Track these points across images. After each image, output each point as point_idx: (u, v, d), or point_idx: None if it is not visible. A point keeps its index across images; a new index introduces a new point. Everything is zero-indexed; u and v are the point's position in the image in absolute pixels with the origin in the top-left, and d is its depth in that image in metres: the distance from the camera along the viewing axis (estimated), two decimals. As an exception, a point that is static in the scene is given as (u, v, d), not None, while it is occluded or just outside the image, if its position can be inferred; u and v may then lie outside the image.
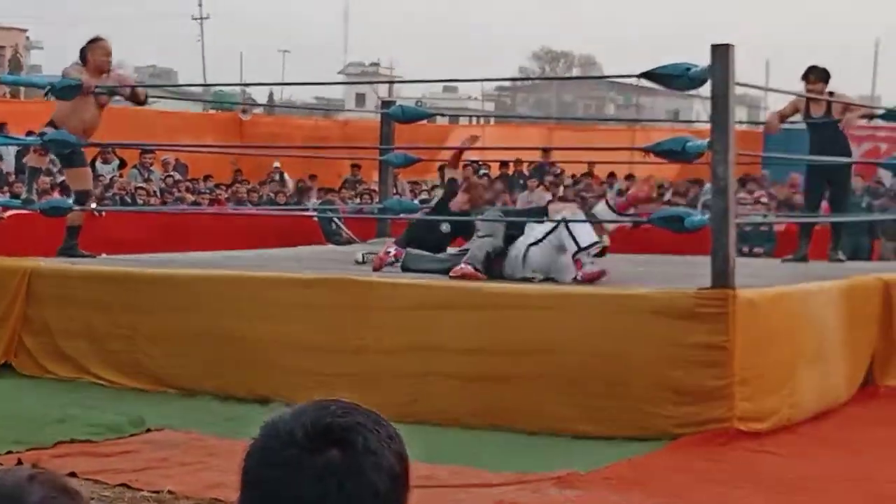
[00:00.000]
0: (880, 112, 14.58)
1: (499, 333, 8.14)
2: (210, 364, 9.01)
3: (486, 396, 8.08)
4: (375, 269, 9.76)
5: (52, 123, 10.90)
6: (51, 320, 9.63)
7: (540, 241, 9.04)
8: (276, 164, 24.97)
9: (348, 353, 8.53)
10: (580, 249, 8.86)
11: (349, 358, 8.52)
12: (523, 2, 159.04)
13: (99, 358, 9.43)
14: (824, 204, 12.76)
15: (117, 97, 12.07)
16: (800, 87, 12.10)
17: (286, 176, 24.37)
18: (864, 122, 15.45)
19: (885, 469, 7.29)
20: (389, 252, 9.87)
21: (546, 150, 23.77)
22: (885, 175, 21.31)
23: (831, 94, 11.83)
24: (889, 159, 14.13)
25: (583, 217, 9.28)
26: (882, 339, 9.64)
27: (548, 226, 9.06)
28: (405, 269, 9.70)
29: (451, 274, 8.96)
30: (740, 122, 36.32)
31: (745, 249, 16.79)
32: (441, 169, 23.20)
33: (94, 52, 11.07)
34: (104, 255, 11.39)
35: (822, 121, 11.77)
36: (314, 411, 1.78)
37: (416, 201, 16.62)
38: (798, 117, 12.30)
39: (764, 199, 19.70)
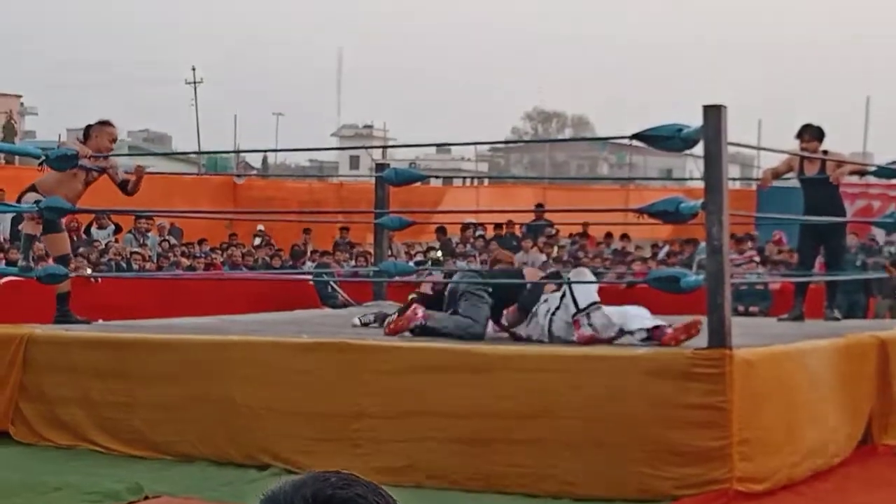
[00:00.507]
0: (872, 169, 14.64)
1: (496, 396, 8.12)
2: (207, 430, 8.99)
3: (484, 460, 8.06)
4: (392, 333, 9.61)
5: (33, 189, 10.89)
6: (47, 387, 9.62)
7: (556, 310, 9.08)
8: (260, 227, 25.05)
9: (345, 418, 8.51)
10: (579, 311, 8.88)
11: (346, 422, 8.50)
12: (515, 63, 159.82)
13: (96, 425, 9.40)
14: (819, 262, 12.79)
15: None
16: (793, 145, 12.16)
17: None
18: (856, 179, 15.53)
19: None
20: (418, 313, 9.66)
21: (541, 210, 23.84)
22: (878, 233, 21.39)
23: (825, 152, 11.88)
24: (882, 217, 14.16)
25: (589, 276, 9.32)
26: (879, 397, 9.64)
27: (558, 294, 9.12)
28: (423, 332, 9.61)
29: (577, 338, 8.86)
30: (733, 180, 36.48)
31: (741, 308, 16.83)
32: (439, 230, 23.31)
33: (100, 135, 11.08)
34: (100, 321, 11.38)
35: (814, 178, 11.83)
36: (314, 483, 1.79)
37: (411, 263, 16.64)
38: (792, 174, 12.36)
39: (756, 258, 19.76)
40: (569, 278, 9.31)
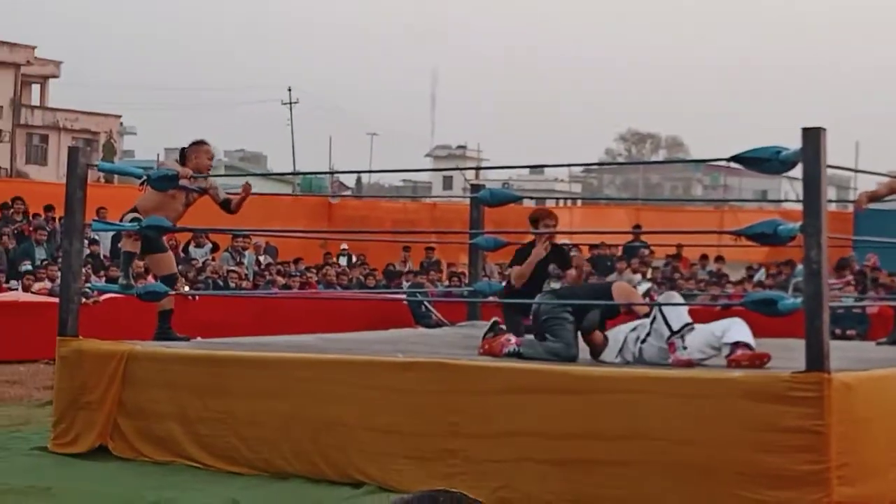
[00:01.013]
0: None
1: (590, 418, 8.11)
2: (302, 447, 9.05)
3: (578, 482, 8.04)
4: (485, 354, 9.57)
5: (135, 210, 11.00)
6: (146, 403, 9.75)
7: (647, 336, 9.04)
8: (344, 245, 25.21)
9: (440, 437, 8.54)
10: (673, 333, 8.85)
11: (441, 442, 8.53)
12: (609, 83, 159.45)
13: (193, 441, 9.51)
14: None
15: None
16: (891, 167, 12.00)
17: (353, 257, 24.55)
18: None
19: None
20: (511, 340, 9.68)
21: (636, 231, 23.74)
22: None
23: None
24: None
25: (678, 299, 9.26)
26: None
27: (647, 320, 9.09)
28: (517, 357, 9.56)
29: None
30: (830, 202, 36.03)
31: (838, 331, 16.66)
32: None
33: (198, 154, 11.17)
34: (199, 339, 11.52)
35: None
36: (425, 501, 1.82)
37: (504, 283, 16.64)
38: (893, 197, 12.17)
39: (852, 282, 19.56)
40: (659, 303, 9.25)
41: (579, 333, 9.41)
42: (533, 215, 11.59)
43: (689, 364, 8.69)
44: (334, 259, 24.11)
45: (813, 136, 7.92)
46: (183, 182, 10.84)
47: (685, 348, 8.79)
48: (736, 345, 8.65)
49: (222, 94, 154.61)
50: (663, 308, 8.97)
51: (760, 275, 22.11)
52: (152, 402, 9.71)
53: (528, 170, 63.17)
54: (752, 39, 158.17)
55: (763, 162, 8.40)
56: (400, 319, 16.09)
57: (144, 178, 10.99)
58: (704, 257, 24.06)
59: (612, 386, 8.20)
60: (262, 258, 22.68)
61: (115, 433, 9.84)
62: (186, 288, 16.97)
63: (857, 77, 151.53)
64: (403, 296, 18.09)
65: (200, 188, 11.21)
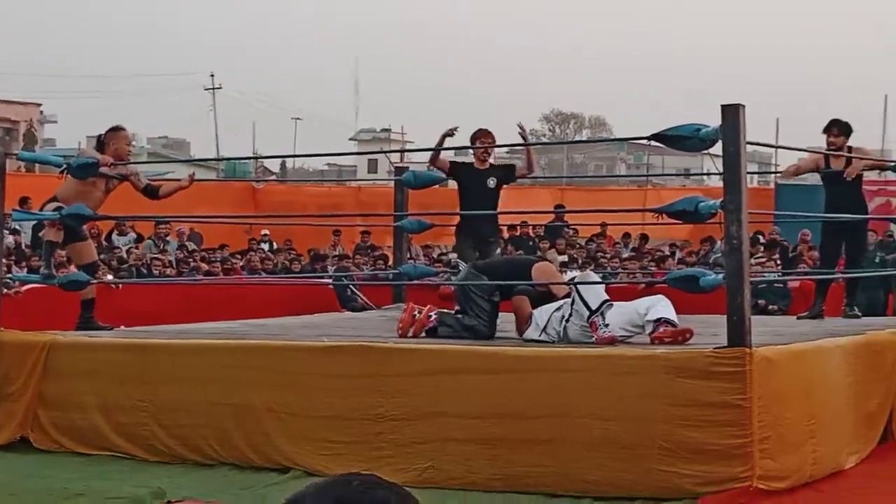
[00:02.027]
0: (891, 165, 14.61)
1: (516, 397, 8.14)
2: (228, 434, 9.01)
3: (505, 460, 8.07)
4: (403, 335, 9.74)
5: (55, 199, 10.89)
6: (68, 394, 9.64)
7: (570, 316, 9.06)
8: (265, 231, 25.10)
9: (366, 421, 8.54)
10: (592, 312, 8.87)
11: (367, 425, 8.53)
12: (532, 64, 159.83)
13: (115, 430, 9.43)
14: (839, 260, 12.74)
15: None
16: (810, 143, 12.13)
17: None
18: (875, 175, 15.47)
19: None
20: (431, 317, 9.82)
21: (559, 211, 23.80)
22: (895, 229, 21.30)
23: (850, 149, 11.80)
24: (901, 213, 14.17)
25: (594, 278, 9.30)
26: (900, 394, 9.63)
27: (568, 300, 9.12)
28: (433, 334, 9.71)
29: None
30: (751, 174, 36.44)
31: (761, 303, 16.81)
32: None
33: (116, 141, 11.07)
34: (122, 328, 11.43)
35: (834, 174, 11.76)
36: (339, 486, 1.79)
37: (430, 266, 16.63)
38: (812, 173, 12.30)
39: (775, 256, 19.71)
40: (575, 282, 9.26)
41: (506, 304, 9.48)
42: (472, 135, 12.41)
43: (613, 341, 8.73)
44: (257, 244, 23.96)
45: (732, 113, 7.98)
46: (103, 169, 10.74)
47: (606, 325, 8.82)
48: (659, 322, 8.71)
49: (145, 80, 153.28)
50: (580, 288, 8.99)
51: (682, 252, 22.23)
52: (74, 392, 9.61)
53: (453, 152, 63.15)
54: (672, 22, 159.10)
55: (683, 140, 8.45)
56: (326, 304, 16.03)
57: (64, 166, 10.89)
58: (627, 236, 24.20)
59: (536, 365, 8.23)
60: (187, 244, 22.49)
61: (36, 425, 9.72)
62: (109, 276, 16.79)
63: (776, 56, 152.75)
64: (329, 280, 18.03)
65: (121, 175, 11.11)
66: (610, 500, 7.73)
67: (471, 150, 12.49)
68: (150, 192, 11.24)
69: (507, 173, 12.71)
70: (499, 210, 13.09)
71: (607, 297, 9.00)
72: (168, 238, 22.03)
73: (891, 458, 9.12)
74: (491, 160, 12.58)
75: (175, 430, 9.21)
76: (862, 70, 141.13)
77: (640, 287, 15.30)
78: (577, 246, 22.89)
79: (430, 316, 9.80)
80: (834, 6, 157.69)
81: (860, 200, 12.08)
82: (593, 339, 8.81)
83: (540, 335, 9.18)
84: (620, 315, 8.90)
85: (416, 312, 9.85)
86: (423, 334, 9.70)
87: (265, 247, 23.80)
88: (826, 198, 12.03)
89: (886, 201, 24.73)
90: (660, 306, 8.87)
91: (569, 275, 9.24)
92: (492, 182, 12.40)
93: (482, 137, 12.42)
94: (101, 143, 11.14)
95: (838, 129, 11.77)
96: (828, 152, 11.73)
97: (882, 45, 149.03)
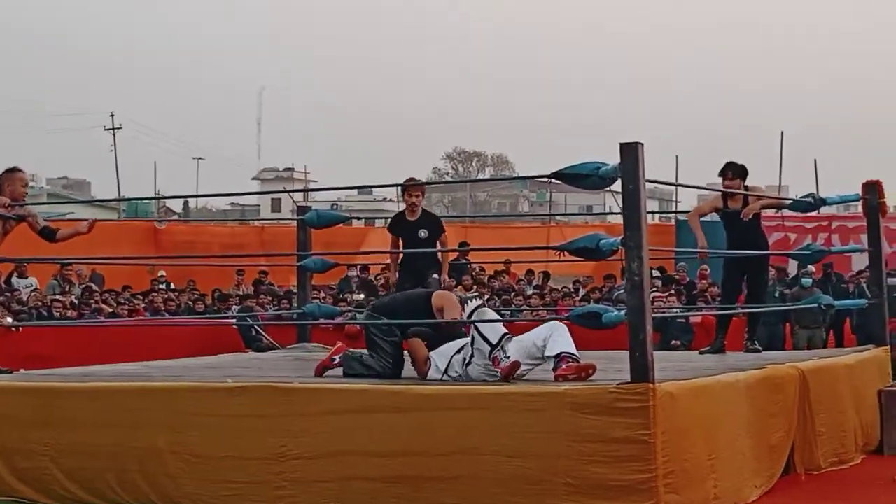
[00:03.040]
0: (788, 202, 14.83)
1: (419, 435, 8.13)
2: (130, 476, 8.91)
3: (411, 499, 8.05)
4: (317, 374, 9.73)
5: None
6: (-34, 439, 9.48)
7: (471, 357, 9.03)
8: (161, 272, 24.95)
9: (269, 461, 8.48)
10: (493, 347, 8.85)
11: (270, 465, 8.47)
12: (434, 102, 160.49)
13: (16, 475, 9.29)
14: (741, 295, 12.89)
15: None
16: (709, 180, 12.27)
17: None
18: (772, 212, 15.70)
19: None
20: (335, 360, 9.84)
21: (463, 249, 23.88)
22: (792, 264, 21.62)
23: (746, 188, 11.98)
24: (798, 249, 14.38)
25: (491, 314, 9.29)
26: (800, 427, 9.76)
27: (465, 339, 9.11)
28: (345, 373, 9.70)
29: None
30: (652, 213, 36.74)
31: (664, 341, 16.96)
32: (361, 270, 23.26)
33: (11, 182, 10.95)
34: (22, 371, 11.25)
35: (733, 213, 11.93)
36: None
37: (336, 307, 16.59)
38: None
39: (673, 292, 19.94)
40: (472, 320, 9.21)
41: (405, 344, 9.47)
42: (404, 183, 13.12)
43: (516, 367, 8.71)
44: (158, 285, 23.76)
45: (631, 151, 8.05)
46: (0, 211, 10.61)
47: (507, 357, 8.81)
48: (560, 357, 8.71)
49: (45, 119, 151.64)
50: (479, 326, 8.97)
51: (585, 290, 22.39)
52: (-27, 437, 9.43)
53: (356, 191, 63.09)
54: (568, 53, 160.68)
55: (584, 178, 8.50)
56: (230, 344, 15.91)
57: (-41, 208, 10.73)
58: (530, 272, 24.32)
59: (440, 403, 8.23)
60: (90, 285, 22.22)
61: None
62: (9, 319, 16.57)
63: (679, 93, 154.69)
64: (233, 321, 17.91)
65: (18, 216, 10.98)
66: (516, 536, 7.74)
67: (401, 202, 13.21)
68: (48, 234, 11.11)
69: (435, 228, 13.48)
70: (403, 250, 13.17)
71: (507, 331, 9.00)
72: (73, 280, 21.79)
73: (793, 490, 9.23)
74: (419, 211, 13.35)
75: (77, 473, 9.08)
76: (758, 105, 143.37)
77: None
78: (485, 284, 22.96)
79: (334, 360, 9.79)
80: (731, 41, 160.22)
81: (760, 236, 12.25)
82: (497, 374, 8.79)
83: (442, 377, 9.14)
84: (520, 349, 8.88)
85: (334, 358, 9.86)
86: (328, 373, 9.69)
87: (163, 287, 23.59)
88: (727, 236, 12.20)
89: (784, 236, 25.13)
90: (557, 337, 8.84)
91: (470, 306, 9.16)
92: (423, 233, 13.22)
93: (410, 191, 13.19)
94: (-2, 185, 11.01)
95: (733, 172, 11.94)
96: (725, 190, 11.88)
97: (776, 81, 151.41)
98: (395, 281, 13.55)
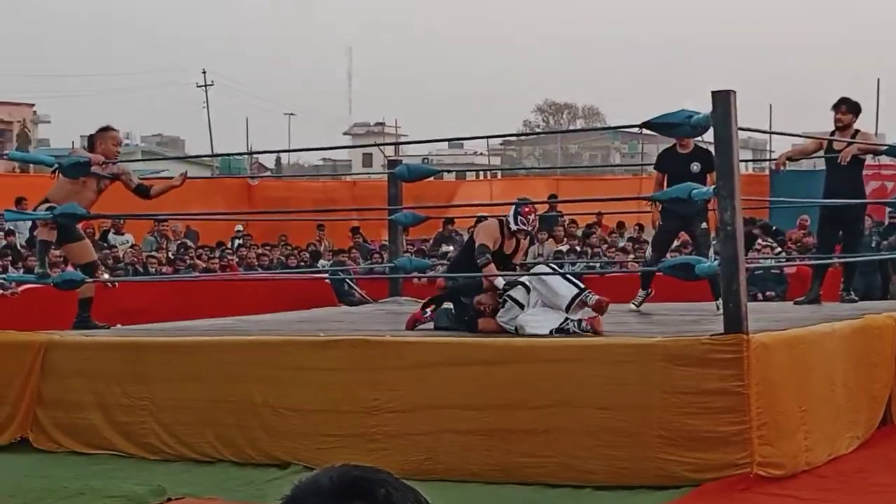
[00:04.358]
0: (884, 149, 14.58)
1: (512, 388, 8.14)
2: (226, 431, 9.01)
3: (502, 451, 8.07)
4: (409, 328, 9.86)
5: (47, 199, 10.87)
6: (65, 394, 9.63)
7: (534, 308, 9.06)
8: (238, 227, 25.12)
9: (362, 414, 8.54)
10: (581, 290, 8.89)
11: (363, 418, 8.53)
12: (525, 55, 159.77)
13: (115, 429, 9.43)
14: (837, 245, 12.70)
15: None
16: (801, 128, 12.08)
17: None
18: (870, 159, 15.42)
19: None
20: (426, 312, 9.94)
21: (553, 201, 23.76)
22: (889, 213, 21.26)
23: (857, 131, 11.77)
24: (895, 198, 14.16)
25: (548, 270, 9.34)
26: (898, 378, 9.63)
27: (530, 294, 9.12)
28: (436, 326, 9.79)
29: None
30: (745, 162, 36.33)
31: (759, 295, 16.79)
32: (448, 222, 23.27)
33: (104, 141, 11.07)
34: (119, 326, 11.41)
35: (832, 158, 11.73)
36: (339, 468, 1.84)
37: (427, 260, 16.63)
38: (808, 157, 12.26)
39: (772, 243, 19.68)
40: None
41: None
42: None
43: (606, 302, 8.82)
44: (240, 240, 23.92)
45: (723, 99, 7.97)
46: (95, 169, 10.73)
47: (591, 297, 8.85)
48: (583, 292, 8.82)
49: (138, 78, 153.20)
50: (547, 282, 9.00)
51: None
52: (72, 392, 9.59)
53: (447, 144, 63.10)
54: (667, 11, 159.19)
55: (675, 127, 8.44)
56: (323, 299, 16.01)
57: (56, 166, 10.89)
58: (621, 225, 24.15)
59: (532, 356, 8.23)
60: (185, 241, 22.44)
61: (35, 425, 9.71)
62: (106, 275, 16.77)
63: (769, 45, 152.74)
64: (325, 275, 18.01)
65: (112, 174, 11.10)
66: (610, 489, 7.73)
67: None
68: (142, 191, 11.23)
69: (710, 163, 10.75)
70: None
71: (581, 287, 9.04)
72: (167, 236, 22.03)
73: (889, 442, 9.11)
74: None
75: (174, 427, 9.20)
76: (854, 56, 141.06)
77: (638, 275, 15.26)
78: (577, 236, 22.85)
79: (426, 312, 9.84)
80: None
81: (858, 185, 12.04)
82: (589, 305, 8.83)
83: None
84: (550, 315, 8.92)
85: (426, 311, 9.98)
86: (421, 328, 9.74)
87: (239, 242, 23.75)
88: (826, 183, 11.99)
89: (881, 185, 24.72)
90: (556, 285, 8.97)
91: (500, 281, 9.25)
92: (696, 167, 11.06)
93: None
94: (91, 142, 11.16)
95: (847, 106, 11.71)
96: (830, 139, 11.66)
97: (874, 30, 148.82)
98: (655, 219, 11.53)
